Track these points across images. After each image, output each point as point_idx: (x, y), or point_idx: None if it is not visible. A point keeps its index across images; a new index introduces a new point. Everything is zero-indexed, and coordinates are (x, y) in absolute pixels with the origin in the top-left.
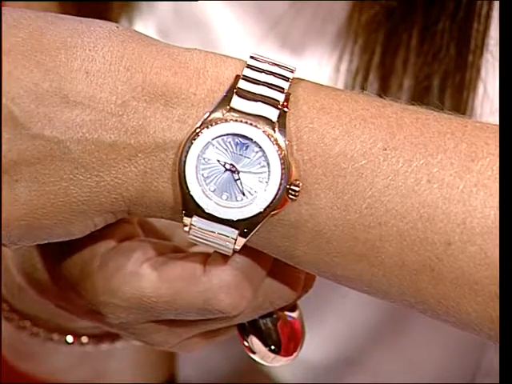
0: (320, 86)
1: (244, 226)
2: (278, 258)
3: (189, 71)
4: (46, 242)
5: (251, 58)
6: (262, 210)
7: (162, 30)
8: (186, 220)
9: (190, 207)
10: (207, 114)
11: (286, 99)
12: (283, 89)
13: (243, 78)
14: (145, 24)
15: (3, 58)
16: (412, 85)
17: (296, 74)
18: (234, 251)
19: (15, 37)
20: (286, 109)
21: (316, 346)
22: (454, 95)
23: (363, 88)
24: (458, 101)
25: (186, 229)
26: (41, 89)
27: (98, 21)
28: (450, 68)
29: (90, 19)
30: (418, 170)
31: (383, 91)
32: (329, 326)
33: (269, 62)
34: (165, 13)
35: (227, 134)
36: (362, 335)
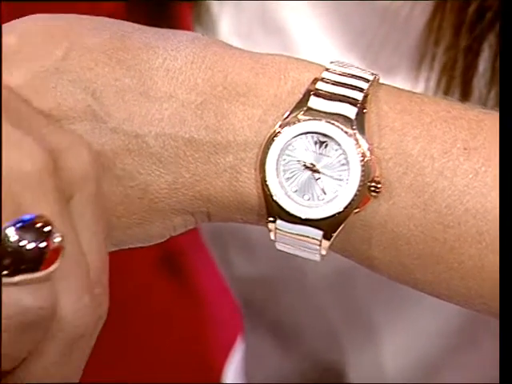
0: (401, 89)
1: (327, 226)
2: (355, 262)
3: (270, 73)
4: (126, 246)
5: (331, 63)
6: (343, 207)
7: (242, 33)
8: (271, 225)
9: (273, 209)
10: (286, 113)
11: (365, 98)
12: (362, 89)
13: (322, 80)
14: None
15: (85, 55)
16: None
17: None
18: (322, 257)
19: (98, 37)
20: (365, 110)
21: (387, 355)
22: None
23: (446, 94)
24: None
25: (272, 235)
26: (121, 84)
27: (183, 31)
28: None
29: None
30: (498, 169)
31: (465, 96)
32: (401, 335)
33: (349, 66)
34: (249, 18)
35: (306, 133)
36: (434, 346)
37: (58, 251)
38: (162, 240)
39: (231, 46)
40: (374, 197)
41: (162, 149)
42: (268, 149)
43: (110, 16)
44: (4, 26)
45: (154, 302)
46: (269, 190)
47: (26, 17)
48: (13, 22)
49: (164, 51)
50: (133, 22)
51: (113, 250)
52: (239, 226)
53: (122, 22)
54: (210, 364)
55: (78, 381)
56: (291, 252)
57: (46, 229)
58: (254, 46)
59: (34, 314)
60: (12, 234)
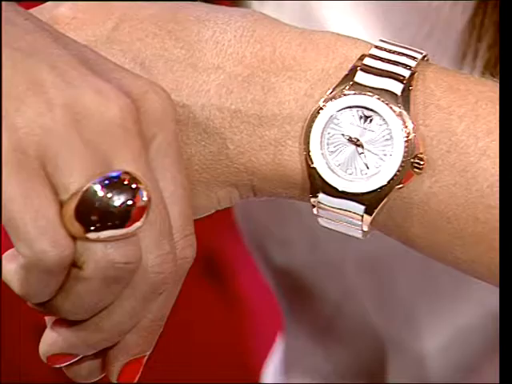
0: (449, 69)
1: (369, 200)
2: (396, 240)
3: (319, 48)
4: None
5: (381, 40)
6: (386, 182)
7: None
8: (314, 200)
9: (316, 183)
10: (332, 88)
11: (412, 76)
12: (410, 66)
13: (370, 56)
14: None
15: (136, 26)
16: None
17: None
18: (364, 233)
19: (149, 9)
20: (411, 87)
21: (428, 356)
22: None
23: None
24: None
25: (315, 210)
26: (170, 54)
27: (233, 7)
28: None
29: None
30: None
31: None
32: (441, 335)
33: (398, 45)
34: (289, 16)
35: (351, 107)
36: (474, 346)
37: (143, 209)
38: (207, 213)
39: (281, 22)
40: (417, 173)
41: (208, 119)
42: (313, 122)
43: None
44: None
45: (195, 302)
46: (312, 163)
47: None
48: None
49: (214, 24)
50: None
51: None
52: (276, 219)
53: None
54: (249, 364)
55: (162, 328)
56: (333, 228)
57: (133, 186)
58: None
59: (121, 268)
60: (99, 190)
